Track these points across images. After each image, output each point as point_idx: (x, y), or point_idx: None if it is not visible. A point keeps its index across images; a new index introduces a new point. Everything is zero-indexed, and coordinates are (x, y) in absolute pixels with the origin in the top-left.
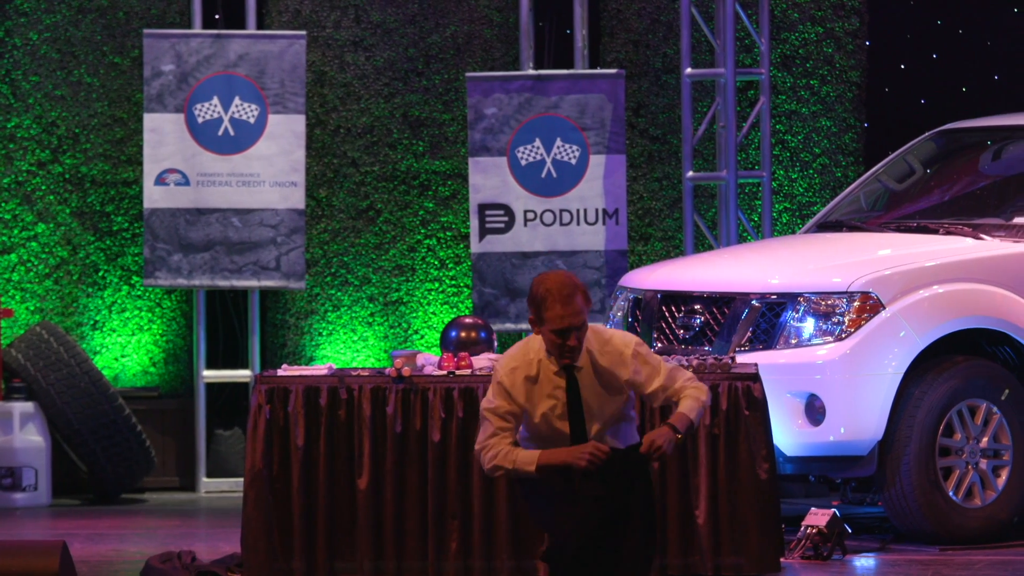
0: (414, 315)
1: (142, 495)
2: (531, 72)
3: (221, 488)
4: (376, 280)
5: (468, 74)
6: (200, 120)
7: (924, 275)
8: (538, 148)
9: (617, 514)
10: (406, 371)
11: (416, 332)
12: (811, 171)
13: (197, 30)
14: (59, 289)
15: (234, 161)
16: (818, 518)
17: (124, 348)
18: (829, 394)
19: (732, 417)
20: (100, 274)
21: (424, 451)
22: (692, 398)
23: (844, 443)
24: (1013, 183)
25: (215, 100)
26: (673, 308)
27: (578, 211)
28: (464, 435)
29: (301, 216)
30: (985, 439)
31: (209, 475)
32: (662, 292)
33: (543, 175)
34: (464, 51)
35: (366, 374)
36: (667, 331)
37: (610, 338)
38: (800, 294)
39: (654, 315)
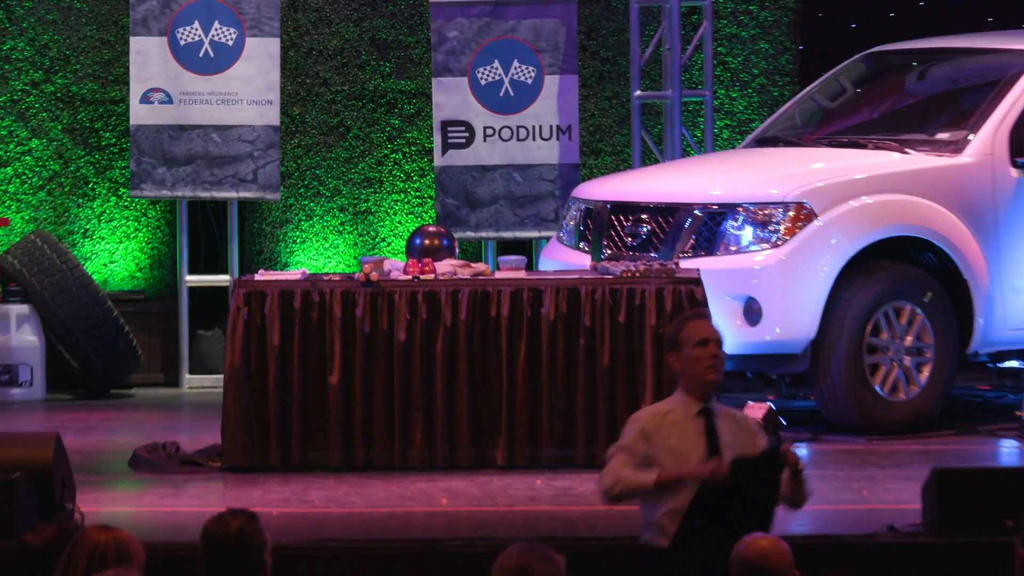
0: (381, 224)
1: (129, 391)
2: None
3: (203, 384)
4: (346, 191)
5: (432, 0)
6: (182, 43)
7: (854, 187)
8: (496, 69)
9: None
10: (374, 276)
11: (383, 240)
12: (750, 90)
13: None
14: (52, 200)
15: (214, 81)
16: (755, 411)
17: (112, 255)
18: (766, 297)
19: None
20: (90, 186)
21: (390, 350)
22: None
23: (779, 342)
24: (936, 102)
25: (196, 24)
26: (622, 217)
27: (534, 127)
28: (427, 335)
29: (276, 132)
30: (909, 338)
31: (191, 372)
32: (611, 203)
33: (501, 94)
34: None
35: (337, 279)
36: (616, 239)
37: (738, 412)
38: (739, 204)
39: (604, 224)
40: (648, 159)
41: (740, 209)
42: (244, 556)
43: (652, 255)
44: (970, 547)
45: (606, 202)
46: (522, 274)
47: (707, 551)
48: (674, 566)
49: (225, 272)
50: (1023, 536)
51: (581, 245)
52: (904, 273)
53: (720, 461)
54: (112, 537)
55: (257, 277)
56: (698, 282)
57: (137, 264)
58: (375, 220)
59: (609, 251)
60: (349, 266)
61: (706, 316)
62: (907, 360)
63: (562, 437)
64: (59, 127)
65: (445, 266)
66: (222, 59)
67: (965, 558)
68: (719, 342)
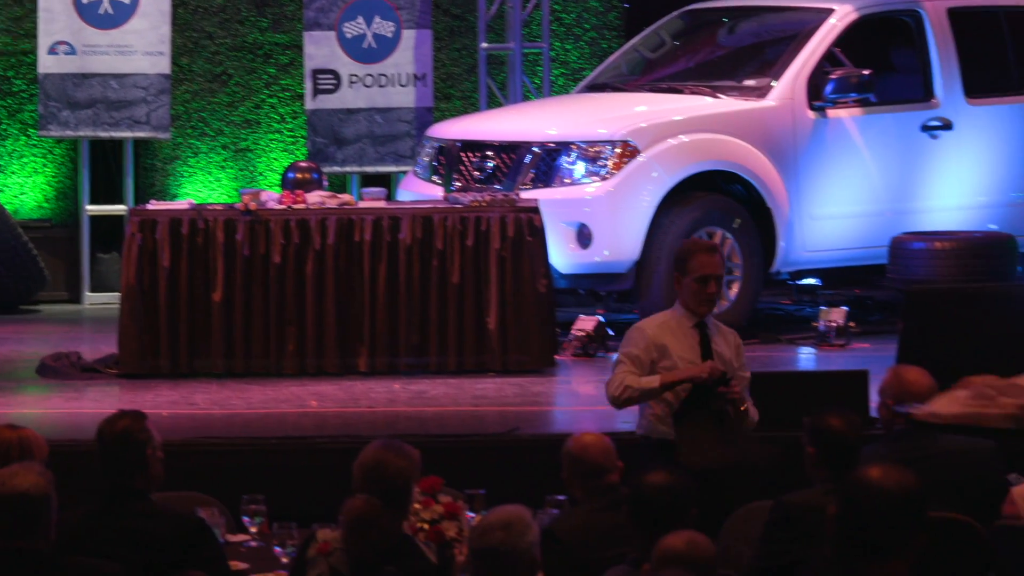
0: (259, 160)
1: (37, 307)
2: None
3: (102, 301)
4: (228, 132)
5: None
6: (84, 1)
7: (673, 127)
8: (361, 24)
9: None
10: (252, 206)
11: (261, 174)
12: (582, 43)
13: None
14: None
15: (112, 35)
16: (586, 323)
17: (23, 187)
18: (596, 223)
19: (517, 242)
20: (3, 127)
21: (267, 270)
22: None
23: (607, 263)
24: (744, 53)
25: None
26: (470, 154)
27: (393, 75)
28: (299, 257)
29: (167, 79)
30: None
31: (92, 290)
32: (461, 141)
33: (364, 46)
34: None
35: (220, 208)
36: (465, 173)
37: (730, 329)
38: (572, 142)
39: (454, 160)
40: (493, 103)
41: (573, 146)
42: (127, 451)
43: (496, 187)
44: (773, 440)
45: (456, 140)
46: (383, 204)
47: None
48: (669, 449)
49: (121, 202)
50: (807, 434)
51: (434, 178)
52: (716, 202)
53: (713, 364)
54: (16, 435)
55: (150, 207)
56: (536, 211)
57: (44, 196)
58: (254, 157)
59: (459, 183)
60: (231, 197)
61: (713, 250)
62: None
63: (417, 346)
64: None
65: (315, 197)
66: (119, 15)
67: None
68: (719, 279)
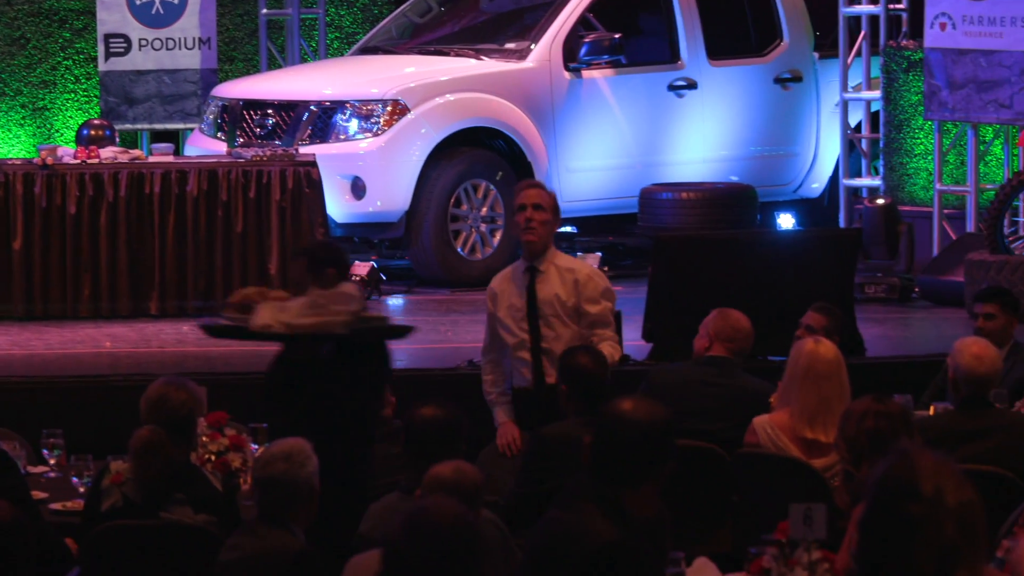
0: (56, 118)
1: None
2: None
3: None
4: (27, 92)
5: None
6: None
7: (440, 87)
8: None
9: None
10: (49, 160)
11: (58, 131)
12: (355, 9)
13: None
14: None
15: None
16: (360, 269)
17: None
18: (369, 176)
19: (296, 194)
20: None
21: (63, 220)
22: (610, 347)
23: (380, 213)
24: (505, 18)
25: None
26: (252, 112)
27: (180, 39)
28: (93, 208)
29: None
30: (484, 209)
31: None
32: (244, 100)
33: (153, 12)
34: None
35: (19, 163)
36: (247, 130)
37: (579, 267)
38: (347, 101)
39: (237, 118)
40: (273, 65)
41: (348, 105)
42: None
43: (277, 143)
44: None
45: (239, 100)
46: (171, 158)
47: None
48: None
49: None
50: (559, 372)
51: (219, 135)
52: (480, 156)
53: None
54: None
55: None
56: (314, 164)
57: None
58: (51, 115)
59: (242, 140)
60: (29, 153)
61: (533, 185)
62: (483, 227)
63: (204, 290)
64: None
65: (108, 152)
66: None
67: None
68: (536, 206)
